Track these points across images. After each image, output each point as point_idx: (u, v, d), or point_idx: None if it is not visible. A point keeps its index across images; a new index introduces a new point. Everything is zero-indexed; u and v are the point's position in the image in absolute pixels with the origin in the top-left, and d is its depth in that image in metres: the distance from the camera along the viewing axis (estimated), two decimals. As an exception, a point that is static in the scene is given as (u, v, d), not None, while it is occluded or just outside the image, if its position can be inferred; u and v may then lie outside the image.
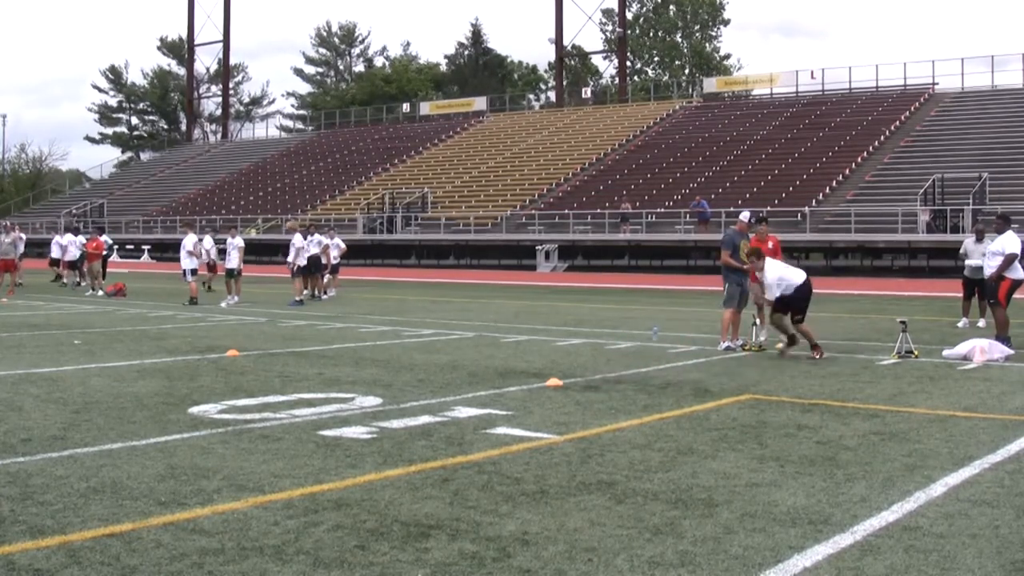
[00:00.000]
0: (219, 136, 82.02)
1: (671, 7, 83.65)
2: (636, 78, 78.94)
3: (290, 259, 23.04)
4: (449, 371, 10.60)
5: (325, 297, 24.16)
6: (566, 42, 66.42)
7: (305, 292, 23.95)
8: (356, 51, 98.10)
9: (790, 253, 32.49)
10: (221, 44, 76.04)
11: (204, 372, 10.43)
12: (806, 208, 35.36)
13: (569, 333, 15.23)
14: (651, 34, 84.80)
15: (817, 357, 11.74)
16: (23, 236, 30.10)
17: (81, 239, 29.11)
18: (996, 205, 29.61)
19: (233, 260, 22.33)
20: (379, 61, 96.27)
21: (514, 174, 49.36)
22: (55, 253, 30.63)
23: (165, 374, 10.18)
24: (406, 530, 4.76)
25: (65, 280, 29.28)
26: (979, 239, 16.24)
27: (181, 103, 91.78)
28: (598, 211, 40.01)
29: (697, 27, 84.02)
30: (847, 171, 39.59)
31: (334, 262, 24.96)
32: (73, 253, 28.91)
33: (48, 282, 30.65)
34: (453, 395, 8.93)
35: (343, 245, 26.05)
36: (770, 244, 13.96)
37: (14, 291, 24.68)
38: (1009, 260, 13.22)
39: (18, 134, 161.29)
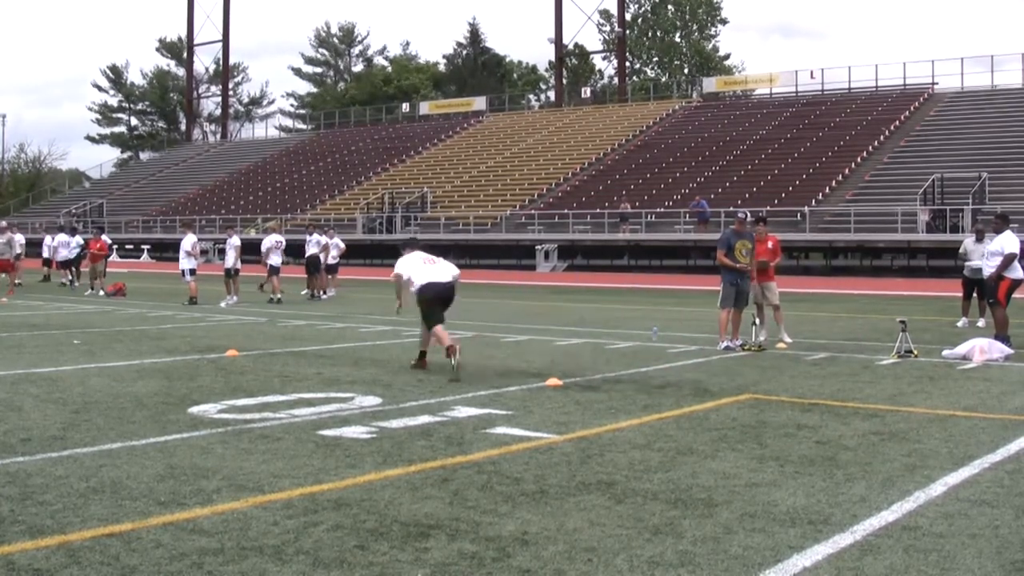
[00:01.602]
0: (218, 136, 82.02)
1: (669, 7, 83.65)
2: (636, 78, 78.97)
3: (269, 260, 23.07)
4: (449, 371, 10.58)
5: (324, 297, 24.16)
6: (566, 42, 66.47)
7: (304, 292, 23.99)
8: (355, 51, 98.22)
9: (790, 253, 32.56)
10: (220, 44, 76.09)
11: (203, 372, 10.42)
12: (806, 208, 35.37)
13: (569, 333, 15.23)
14: (649, 34, 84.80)
15: (413, 364, 10.77)
16: (21, 238, 30.12)
17: (78, 239, 29.06)
18: (996, 205, 29.62)
19: (230, 260, 22.35)
20: (378, 61, 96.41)
21: (513, 174, 49.37)
22: (46, 253, 30.61)
23: (164, 374, 10.18)
24: (406, 530, 4.75)
25: (63, 280, 29.24)
26: (979, 239, 16.24)
27: (180, 103, 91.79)
28: (598, 211, 40.02)
29: (695, 27, 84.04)
30: (846, 171, 39.60)
31: (332, 262, 24.96)
32: (63, 254, 28.83)
33: (36, 282, 30.63)
34: (453, 395, 8.93)
35: (342, 245, 26.04)
36: (769, 244, 13.94)
37: (14, 291, 24.67)
38: (1008, 260, 13.22)
39: (18, 134, 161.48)
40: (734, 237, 12.97)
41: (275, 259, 22.83)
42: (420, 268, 10.89)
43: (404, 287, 10.96)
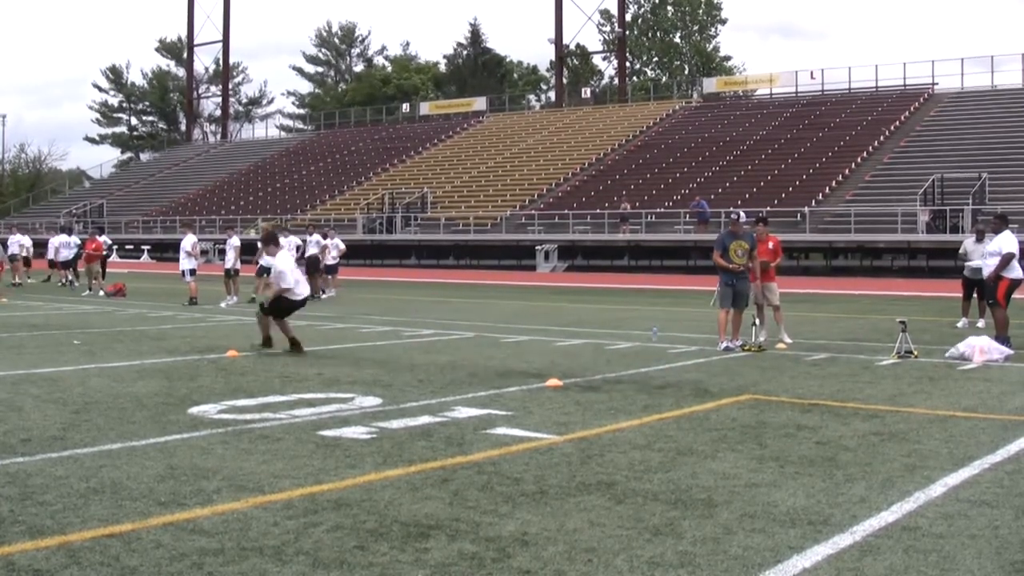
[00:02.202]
0: (218, 136, 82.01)
1: (668, 8, 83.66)
2: (636, 78, 78.97)
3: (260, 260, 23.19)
4: (449, 371, 10.60)
5: (323, 297, 24.16)
6: (566, 42, 66.48)
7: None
8: (356, 51, 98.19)
9: (790, 253, 32.55)
10: (220, 44, 76.08)
11: (204, 372, 10.43)
12: (806, 208, 35.37)
13: (569, 333, 15.23)
14: (649, 34, 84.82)
15: (257, 344, 12.48)
16: (26, 239, 30.21)
17: (75, 239, 29.05)
18: (996, 205, 29.63)
19: (230, 260, 22.36)
20: (379, 61, 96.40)
21: (514, 174, 49.37)
22: (51, 254, 30.68)
23: (165, 374, 10.18)
24: (406, 530, 4.76)
25: (62, 281, 29.23)
26: (979, 239, 16.23)
27: (180, 103, 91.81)
28: (598, 211, 40.02)
29: (696, 27, 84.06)
30: (847, 171, 39.61)
31: (332, 262, 24.98)
32: (64, 254, 28.81)
33: (40, 282, 30.69)
34: (453, 395, 8.93)
35: (342, 246, 26.03)
36: (770, 244, 13.95)
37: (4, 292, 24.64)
38: (1006, 260, 13.22)
39: (19, 134, 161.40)
40: (729, 238, 13.00)
41: (267, 259, 22.90)
42: (296, 276, 12.72)
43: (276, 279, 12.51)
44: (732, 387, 9.56)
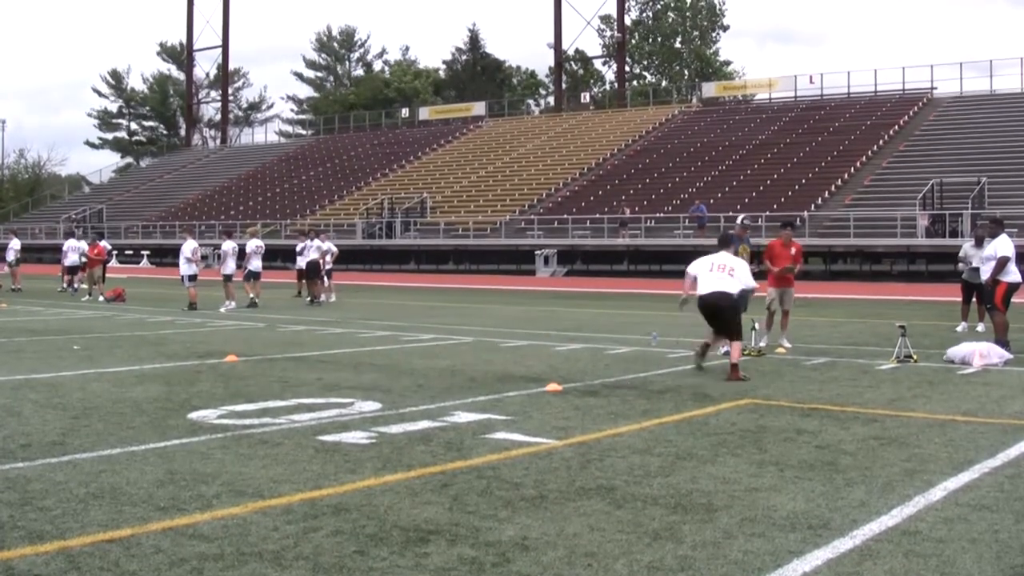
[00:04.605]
0: (218, 141, 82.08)
1: (670, 14, 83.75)
2: (636, 83, 79.03)
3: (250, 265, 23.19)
4: (448, 376, 10.59)
5: (321, 300, 24.15)
6: (565, 47, 66.58)
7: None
8: (355, 55, 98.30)
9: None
10: (220, 49, 76.17)
11: (203, 377, 10.42)
12: (805, 212, 35.41)
13: (568, 338, 15.23)
14: (650, 40, 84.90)
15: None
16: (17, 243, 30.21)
17: (74, 242, 29.01)
18: (995, 209, 29.66)
19: (228, 265, 22.34)
20: (378, 65, 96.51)
21: (513, 179, 49.41)
22: (65, 259, 30.65)
23: (164, 379, 10.17)
24: (405, 535, 4.75)
25: (63, 286, 29.17)
26: (979, 244, 16.23)
27: (181, 108, 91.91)
28: (597, 216, 40.05)
29: (697, 33, 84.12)
30: (846, 175, 39.66)
31: (327, 267, 24.98)
32: (72, 259, 28.77)
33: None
34: (452, 400, 8.92)
35: (335, 249, 26.00)
36: (792, 250, 14.01)
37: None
38: (1002, 263, 13.22)
39: (18, 139, 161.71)
40: (735, 242, 13.00)
41: (255, 263, 22.89)
42: (705, 273, 11.13)
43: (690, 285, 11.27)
44: (732, 391, 9.56)
